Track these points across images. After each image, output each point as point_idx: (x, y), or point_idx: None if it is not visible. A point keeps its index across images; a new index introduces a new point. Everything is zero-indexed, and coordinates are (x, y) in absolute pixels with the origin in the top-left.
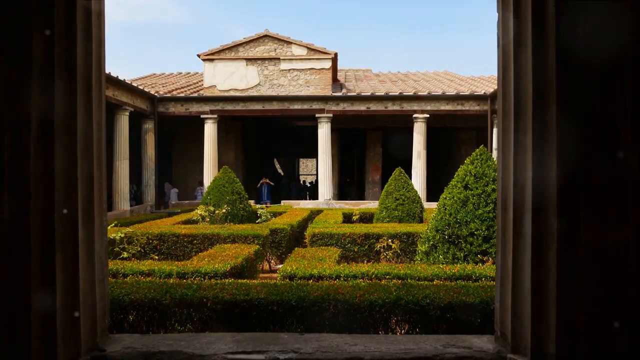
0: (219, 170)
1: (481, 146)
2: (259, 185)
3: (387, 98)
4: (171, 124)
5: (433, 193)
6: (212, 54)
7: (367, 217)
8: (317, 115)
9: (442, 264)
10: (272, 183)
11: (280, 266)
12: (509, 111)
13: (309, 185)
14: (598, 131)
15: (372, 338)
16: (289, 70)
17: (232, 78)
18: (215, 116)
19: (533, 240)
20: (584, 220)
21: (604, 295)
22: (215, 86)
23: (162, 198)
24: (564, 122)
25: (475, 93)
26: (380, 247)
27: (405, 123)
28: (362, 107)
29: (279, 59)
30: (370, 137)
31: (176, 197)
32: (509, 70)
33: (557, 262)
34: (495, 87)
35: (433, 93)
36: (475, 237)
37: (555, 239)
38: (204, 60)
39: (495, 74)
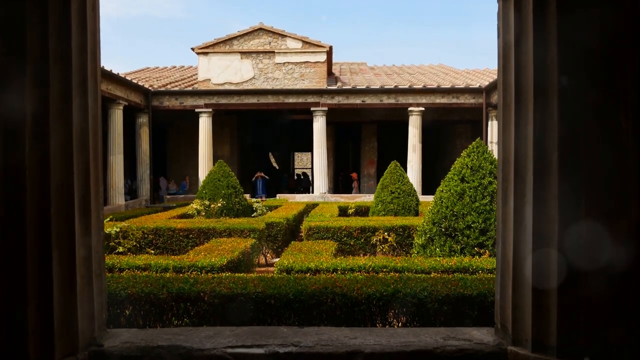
0: (214, 164)
1: (478, 139)
2: (253, 179)
3: (382, 91)
4: (166, 118)
5: (428, 186)
6: (207, 47)
7: (362, 211)
8: (312, 108)
9: (439, 256)
10: (267, 177)
11: (277, 260)
12: (510, 102)
13: (302, 178)
14: (600, 121)
15: (371, 331)
16: (284, 63)
17: (227, 72)
18: (210, 110)
19: (534, 232)
20: (585, 212)
21: (605, 286)
22: (209, 80)
23: (157, 192)
24: (565, 113)
25: (470, 86)
26: (376, 240)
27: (400, 116)
28: (357, 101)
29: (273, 52)
30: (366, 130)
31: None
32: (509, 62)
33: (559, 253)
34: (490, 80)
35: (428, 86)
36: (472, 229)
37: (557, 230)
38: (198, 53)
39: (490, 67)
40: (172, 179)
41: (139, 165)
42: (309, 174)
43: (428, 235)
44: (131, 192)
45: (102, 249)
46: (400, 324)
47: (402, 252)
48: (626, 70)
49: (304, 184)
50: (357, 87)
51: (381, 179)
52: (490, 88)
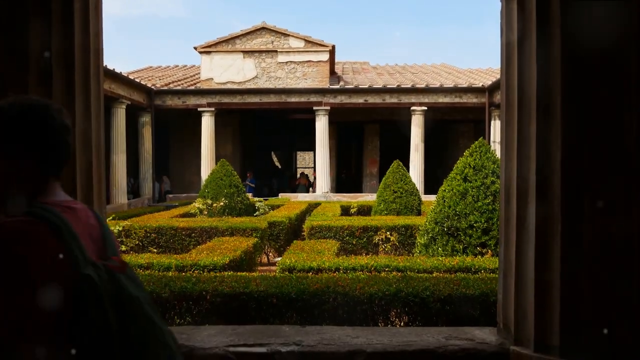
0: (216, 164)
1: (480, 138)
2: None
3: (384, 91)
4: (168, 117)
5: (431, 186)
6: (209, 46)
7: (365, 210)
8: (314, 108)
9: (442, 256)
10: (252, 185)
11: (279, 259)
12: (512, 102)
13: (273, 179)
14: (603, 122)
15: (373, 330)
16: (287, 62)
17: (229, 71)
18: (213, 109)
19: (537, 231)
20: (588, 212)
21: (608, 287)
22: (212, 79)
23: (160, 191)
24: (568, 113)
25: (473, 85)
26: (378, 239)
27: (403, 116)
28: (359, 100)
29: (276, 51)
30: (368, 130)
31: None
32: (512, 61)
33: (561, 253)
34: (493, 79)
35: (431, 85)
36: (474, 229)
37: (560, 230)
38: (200, 52)
39: (493, 67)
40: (167, 177)
41: (142, 164)
42: (299, 173)
43: (430, 235)
44: (134, 191)
45: None
46: (402, 324)
47: (404, 251)
48: (631, 68)
49: (276, 185)
50: (360, 86)
51: (383, 179)
52: (493, 87)
